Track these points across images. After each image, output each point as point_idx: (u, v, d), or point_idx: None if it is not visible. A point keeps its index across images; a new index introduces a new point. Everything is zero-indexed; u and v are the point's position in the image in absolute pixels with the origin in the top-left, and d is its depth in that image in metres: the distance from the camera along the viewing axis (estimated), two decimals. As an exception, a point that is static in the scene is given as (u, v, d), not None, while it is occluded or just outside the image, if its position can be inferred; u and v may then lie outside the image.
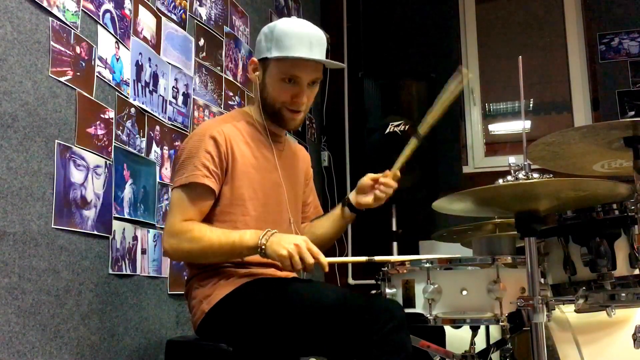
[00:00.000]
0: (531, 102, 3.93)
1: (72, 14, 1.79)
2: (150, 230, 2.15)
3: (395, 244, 3.34)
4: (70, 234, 1.74)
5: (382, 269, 1.85)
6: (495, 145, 4.00)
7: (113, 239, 1.93)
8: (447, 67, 3.78)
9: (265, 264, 1.69)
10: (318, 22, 3.77)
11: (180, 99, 2.39)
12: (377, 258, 1.64)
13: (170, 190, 1.86)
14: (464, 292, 1.71)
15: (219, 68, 2.71)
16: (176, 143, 2.31)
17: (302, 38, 1.68)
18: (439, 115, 1.74)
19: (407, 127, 3.24)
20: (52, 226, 1.67)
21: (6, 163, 1.54)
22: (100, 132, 1.89)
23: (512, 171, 1.58)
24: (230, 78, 2.80)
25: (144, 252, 2.09)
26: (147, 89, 2.17)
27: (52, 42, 1.71)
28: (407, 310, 1.70)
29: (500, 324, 1.69)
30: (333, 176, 3.92)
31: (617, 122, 1.56)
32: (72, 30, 1.79)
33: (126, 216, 2.00)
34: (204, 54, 2.59)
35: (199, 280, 1.70)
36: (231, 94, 2.80)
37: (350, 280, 3.80)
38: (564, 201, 1.59)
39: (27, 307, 1.57)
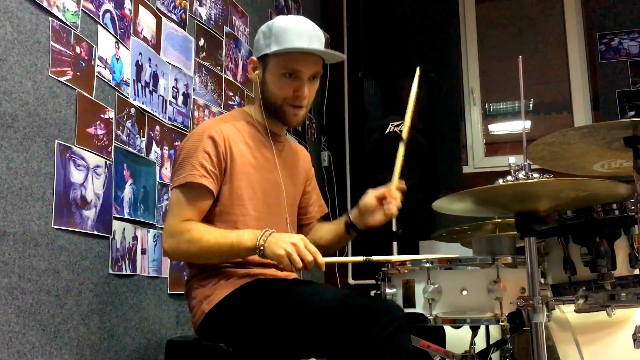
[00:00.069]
0: (531, 102, 3.93)
1: (72, 14, 1.79)
2: (150, 230, 2.15)
3: (395, 244, 3.34)
4: (70, 234, 1.74)
5: (382, 268, 1.85)
6: (495, 145, 4.00)
7: (113, 239, 1.93)
8: (447, 67, 3.81)
9: (265, 265, 1.69)
10: (318, 22, 3.75)
11: (180, 99, 2.39)
12: (375, 258, 1.63)
13: (169, 190, 1.86)
14: (464, 292, 1.71)
15: (219, 68, 2.71)
16: (176, 143, 2.31)
17: (301, 32, 1.68)
18: (411, 116, 1.79)
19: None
20: (52, 226, 1.67)
21: (6, 163, 1.54)
22: (100, 132, 1.89)
23: (512, 171, 1.57)
24: (230, 78, 2.80)
25: (144, 252, 2.09)
26: (147, 89, 2.17)
27: (52, 42, 1.71)
28: (407, 310, 1.70)
29: (500, 324, 1.69)
30: (333, 176, 3.92)
31: (617, 122, 1.56)
32: (72, 30, 1.79)
33: (126, 216, 2.00)
34: (204, 54, 2.59)
35: (199, 281, 1.70)
36: (231, 94, 2.80)
37: (351, 280, 3.80)
38: (564, 201, 1.59)
39: (27, 307, 1.57)
